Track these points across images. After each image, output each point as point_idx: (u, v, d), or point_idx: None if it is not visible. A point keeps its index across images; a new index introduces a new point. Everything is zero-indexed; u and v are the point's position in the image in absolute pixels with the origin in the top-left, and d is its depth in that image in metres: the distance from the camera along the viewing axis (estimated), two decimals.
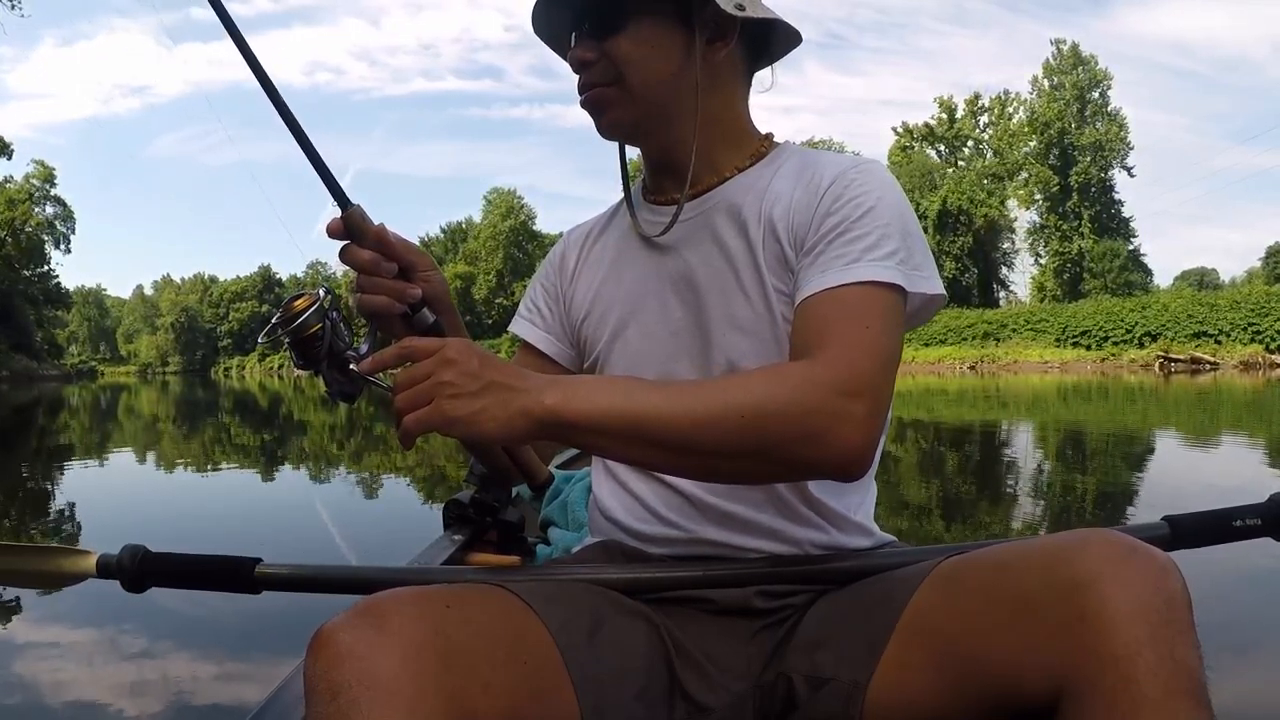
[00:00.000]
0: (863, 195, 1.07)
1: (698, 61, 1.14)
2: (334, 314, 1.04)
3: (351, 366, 1.03)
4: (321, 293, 1.05)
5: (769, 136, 1.26)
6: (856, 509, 1.18)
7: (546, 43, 1.25)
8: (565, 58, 1.21)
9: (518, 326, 1.37)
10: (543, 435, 0.93)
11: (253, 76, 1.02)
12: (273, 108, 1.01)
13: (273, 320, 1.04)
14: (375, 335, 1.06)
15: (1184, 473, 7.62)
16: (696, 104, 1.15)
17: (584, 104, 1.18)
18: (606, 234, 1.33)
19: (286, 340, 1.03)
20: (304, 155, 1.04)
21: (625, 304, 1.24)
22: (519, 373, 0.93)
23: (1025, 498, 6.41)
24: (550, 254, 1.40)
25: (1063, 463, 8.59)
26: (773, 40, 1.23)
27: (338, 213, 1.04)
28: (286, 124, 1.02)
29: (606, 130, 1.20)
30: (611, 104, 1.16)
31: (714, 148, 1.20)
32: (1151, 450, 9.43)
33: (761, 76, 1.26)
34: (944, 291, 1.10)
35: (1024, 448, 10.28)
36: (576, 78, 1.18)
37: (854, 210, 1.06)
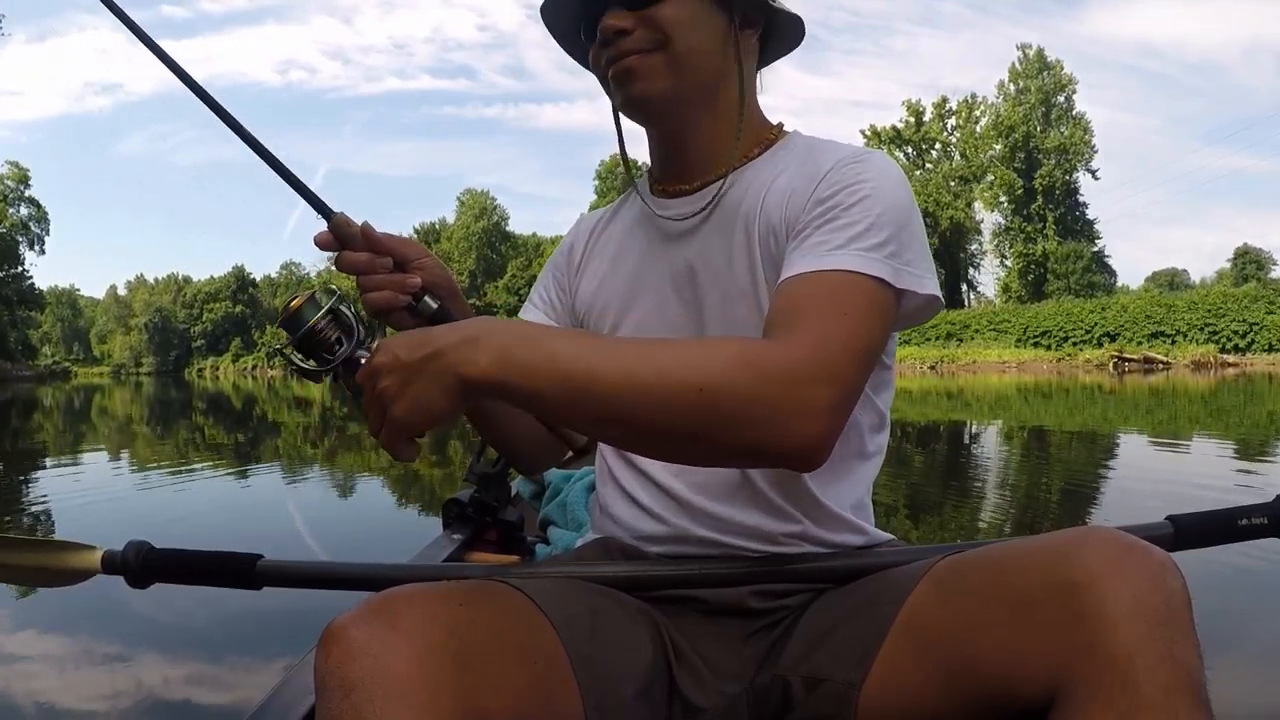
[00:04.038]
0: (859, 183, 1.04)
1: (735, 43, 1.13)
2: (345, 309, 1.01)
3: (364, 360, 0.98)
4: (317, 294, 1.03)
5: (779, 126, 1.23)
6: (854, 509, 1.16)
7: (554, 30, 1.21)
8: (569, 51, 1.21)
9: (529, 314, 1.33)
10: (490, 397, 0.89)
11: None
12: (249, 121, 1.05)
13: (284, 326, 1.02)
14: (385, 332, 1.04)
15: (1114, 471, 7.95)
16: (739, 87, 1.15)
17: (614, 74, 1.12)
18: (613, 225, 1.30)
19: (294, 351, 1.01)
20: (281, 178, 1.06)
21: (624, 298, 1.22)
22: (453, 336, 0.87)
23: (983, 496, 6.37)
24: (562, 242, 1.38)
25: (1011, 461, 8.77)
26: (774, 40, 1.22)
27: (310, 212, 1.07)
28: (257, 152, 1.05)
29: (636, 100, 1.14)
30: (650, 72, 1.10)
31: (729, 137, 1.17)
32: (1098, 449, 9.63)
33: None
34: (938, 293, 1.04)
35: (989, 446, 10.57)
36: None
37: (848, 197, 1.03)
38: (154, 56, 1.05)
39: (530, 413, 0.95)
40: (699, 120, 1.16)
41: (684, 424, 0.87)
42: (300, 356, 1.01)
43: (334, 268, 1.10)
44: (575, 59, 1.23)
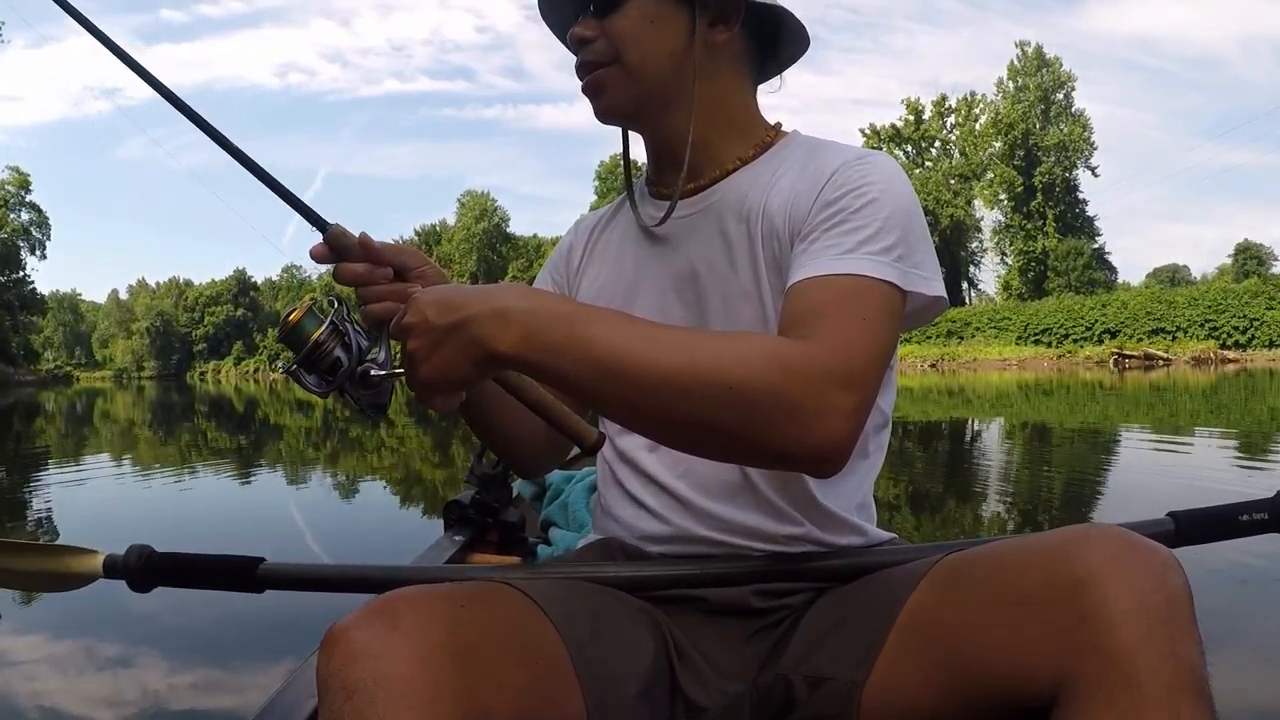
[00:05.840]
0: (865, 186, 1.04)
1: (697, 43, 1.11)
2: (346, 324, 1.00)
3: (373, 372, 1.00)
4: (315, 305, 1.01)
5: (777, 126, 1.22)
6: (855, 510, 1.17)
7: (554, 30, 1.23)
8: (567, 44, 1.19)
9: None
10: (516, 370, 0.91)
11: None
12: (234, 140, 1.04)
13: (286, 337, 1.00)
14: (389, 342, 1.02)
15: (1116, 466, 8.13)
16: (693, 88, 1.13)
17: (584, 88, 1.16)
18: (613, 226, 1.30)
19: (295, 364, 0.99)
20: (272, 192, 1.05)
21: (624, 299, 1.21)
22: (484, 306, 0.86)
23: (985, 493, 6.46)
24: (560, 243, 1.37)
25: (1012, 458, 8.88)
26: (781, 41, 1.20)
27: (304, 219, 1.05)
28: (247, 167, 1.04)
29: (604, 114, 1.18)
30: (609, 85, 1.13)
31: (716, 138, 1.17)
32: (1099, 445, 9.79)
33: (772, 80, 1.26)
34: (945, 294, 1.06)
35: (991, 444, 10.72)
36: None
37: (854, 200, 1.03)
38: (134, 73, 1.05)
39: (555, 389, 0.94)
40: (674, 123, 1.16)
41: (711, 418, 0.87)
42: (305, 373, 0.99)
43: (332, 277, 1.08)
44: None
